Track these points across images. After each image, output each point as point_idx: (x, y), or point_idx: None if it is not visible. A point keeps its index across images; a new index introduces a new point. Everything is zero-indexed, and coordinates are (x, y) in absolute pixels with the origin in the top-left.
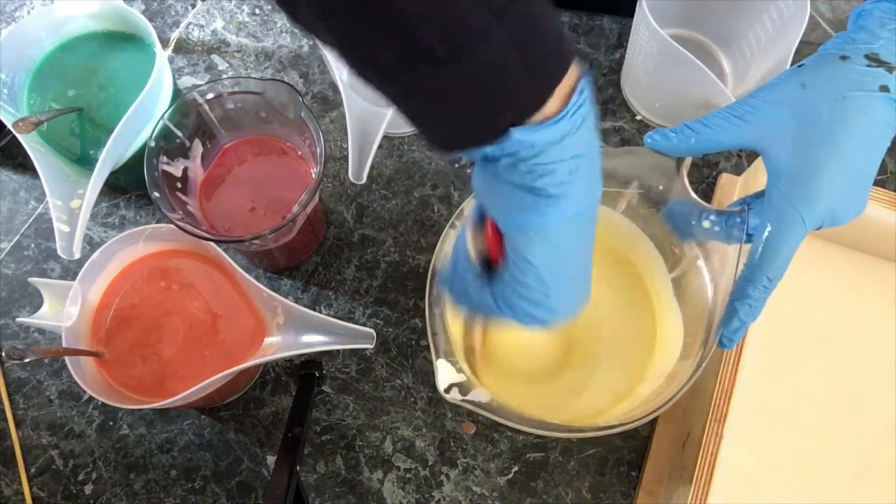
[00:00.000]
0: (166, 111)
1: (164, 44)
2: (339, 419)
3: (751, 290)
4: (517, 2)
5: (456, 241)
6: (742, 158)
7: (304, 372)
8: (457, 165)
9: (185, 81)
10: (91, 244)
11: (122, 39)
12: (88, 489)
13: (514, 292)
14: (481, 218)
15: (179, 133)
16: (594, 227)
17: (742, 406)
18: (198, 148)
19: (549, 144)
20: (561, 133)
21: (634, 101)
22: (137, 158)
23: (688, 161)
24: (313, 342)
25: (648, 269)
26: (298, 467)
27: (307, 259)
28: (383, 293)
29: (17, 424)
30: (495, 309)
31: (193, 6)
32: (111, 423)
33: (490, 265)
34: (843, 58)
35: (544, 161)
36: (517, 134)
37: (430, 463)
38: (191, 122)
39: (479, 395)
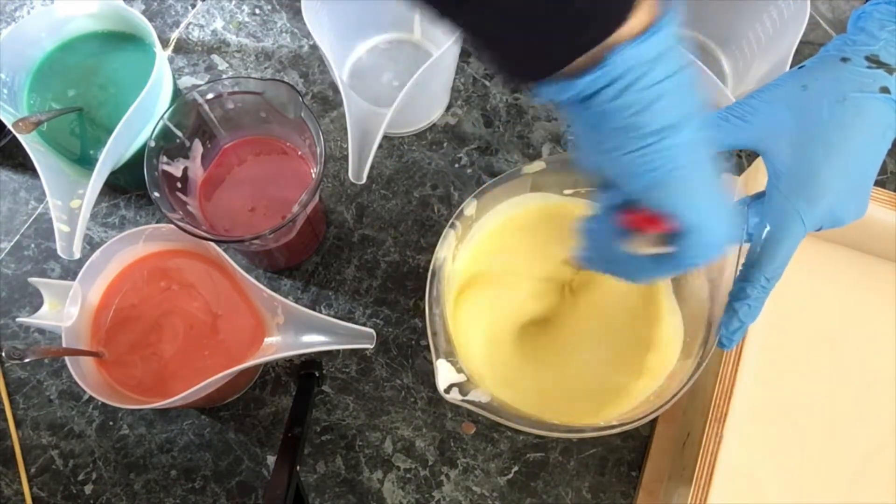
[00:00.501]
0: (166, 111)
1: (164, 44)
2: (339, 419)
3: (749, 290)
4: None
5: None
6: (742, 158)
7: (304, 372)
8: (457, 165)
9: (185, 81)
10: (91, 244)
11: (122, 39)
12: (88, 489)
13: (689, 244)
14: (613, 209)
15: (179, 133)
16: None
17: (742, 406)
18: (198, 148)
19: (654, 60)
20: (663, 44)
21: None
22: (137, 158)
23: None
24: (313, 342)
25: None
26: (298, 467)
27: (307, 259)
28: (383, 293)
29: (17, 424)
30: (675, 269)
31: (193, 6)
32: (111, 423)
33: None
34: (844, 59)
35: (651, 83)
36: (618, 53)
37: (430, 463)
38: (191, 122)
39: (479, 395)
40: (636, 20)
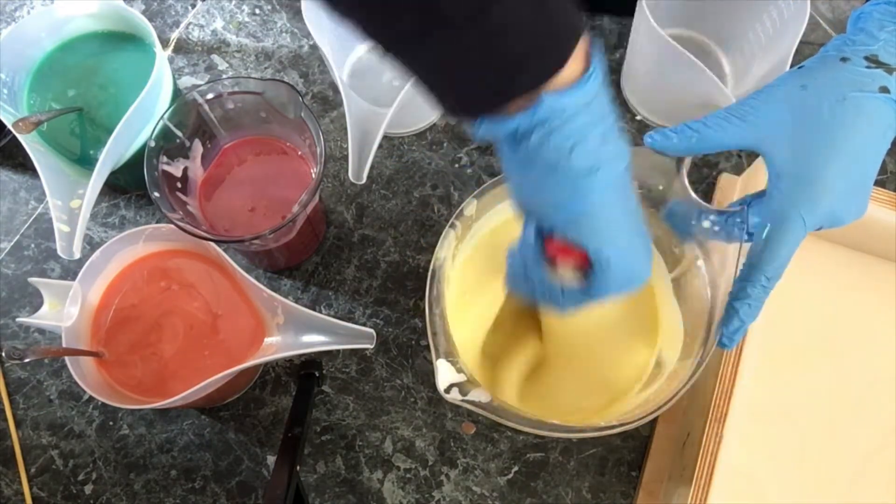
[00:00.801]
0: (166, 111)
1: (164, 44)
2: (339, 419)
3: (750, 290)
4: None
5: (515, 259)
6: (742, 158)
7: (304, 372)
8: (457, 165)
9: (185, 81)
10: (91, 244)
11: (122, 39)
12: (88, 489)
13: (602, 279)
14: (538, 238)
15: (179, 133)
16: (633, 187)
17: (742, 406)
18: (198, 148)
19: (580, 108)
20: (590, 95)
21: (634, 101)
22: (137, 158)
23: (688, 161)
24: (313, 342)
25: None
26: (298, 467)
27: (307, 259)
28: (383, 293)
29: (17, 424)
30: (583, 301)
31: (193, 6)
32: (111, 423)
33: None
34: (844, 59)
35: (577, 127)
36: (548, 98)
37: (430, 463)
38: (191, 122)
39: (479, 395)
40: (569, 69)
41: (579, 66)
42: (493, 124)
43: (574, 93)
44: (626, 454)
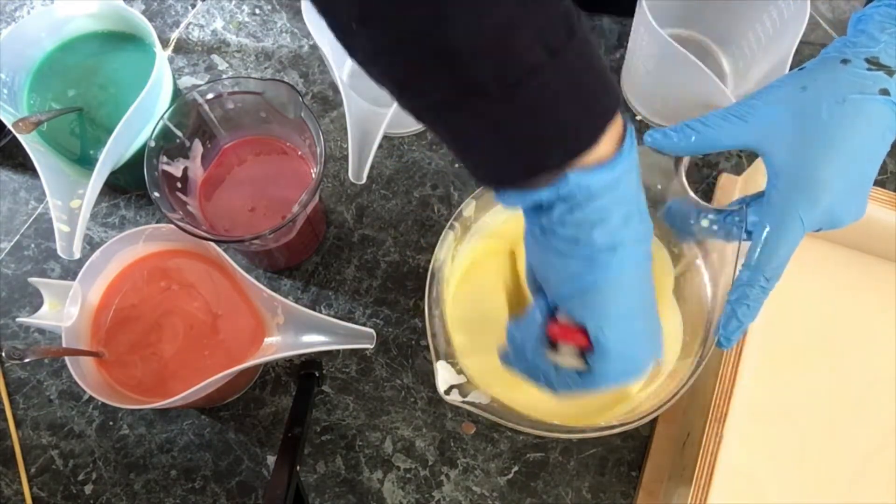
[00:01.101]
0: (166, 111)
1: (164, 44)
2: (339, 419)
3: (748, 290)
4: (571, 42)
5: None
6: (742, 158)
7: (304, 372)
8: (457, 165)
9: (185, 81)
10: (91, 244)
11: (122, 39)
12: (88, 489)
13: (601, 364)
14: (545, 318)
15: (179, 133)
16: (651, 274)
17: (742, 406)
18: (198, 148)
19: (606, 188)
20: (617, 176)
21: (634, 101)
22: (137, 158)
23: (686, 160)
24: (313, 342)
25: None
26: (298, 467)
27: (307, 259)
28: (383, 293)
29: (17, 424)
30: (577, 387)
31: (193, 6)
32: (111, 423)
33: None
34: (844, 61)
35: (600, 206)
36: (574, 177)
37: (430, 463)
38: (191, 122)
39: (479, 396)
40: (600, 149)
41: (611, 146)
42: (518, 196)
43: (601, 173)
44: (626, 454)
